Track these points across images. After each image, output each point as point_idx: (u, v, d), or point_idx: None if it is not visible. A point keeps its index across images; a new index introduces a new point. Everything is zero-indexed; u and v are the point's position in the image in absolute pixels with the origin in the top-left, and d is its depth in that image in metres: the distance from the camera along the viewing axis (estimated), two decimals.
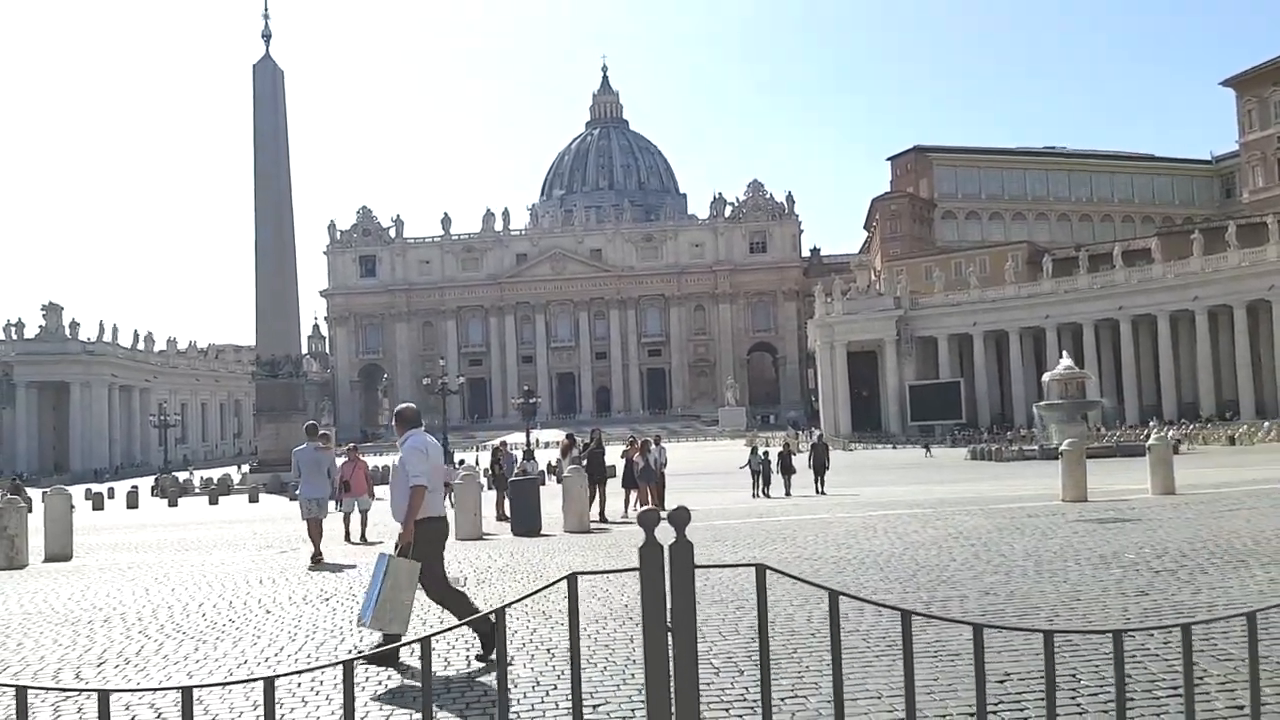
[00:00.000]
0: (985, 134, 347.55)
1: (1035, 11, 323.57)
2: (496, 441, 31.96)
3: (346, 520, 18.96)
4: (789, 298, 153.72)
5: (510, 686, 6.60)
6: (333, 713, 6.14)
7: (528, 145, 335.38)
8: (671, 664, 3.31)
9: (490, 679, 6.85)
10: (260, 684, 3.01)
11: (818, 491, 29.70)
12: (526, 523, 18.29)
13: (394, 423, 8.39)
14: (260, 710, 6.30)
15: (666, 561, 3.39)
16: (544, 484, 40.10)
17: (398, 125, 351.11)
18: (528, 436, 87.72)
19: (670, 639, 3.33)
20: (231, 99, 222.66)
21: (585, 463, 21.75)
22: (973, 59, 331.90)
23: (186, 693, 2.92)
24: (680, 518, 3.49)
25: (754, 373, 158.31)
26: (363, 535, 18.69)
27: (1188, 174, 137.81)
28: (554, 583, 3.59)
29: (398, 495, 7.79)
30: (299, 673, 6.92)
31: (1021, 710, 5.74)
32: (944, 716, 5.55)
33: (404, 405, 8.42)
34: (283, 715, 6.14)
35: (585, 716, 5.90)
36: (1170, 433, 58.07)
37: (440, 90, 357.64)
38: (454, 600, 7.76)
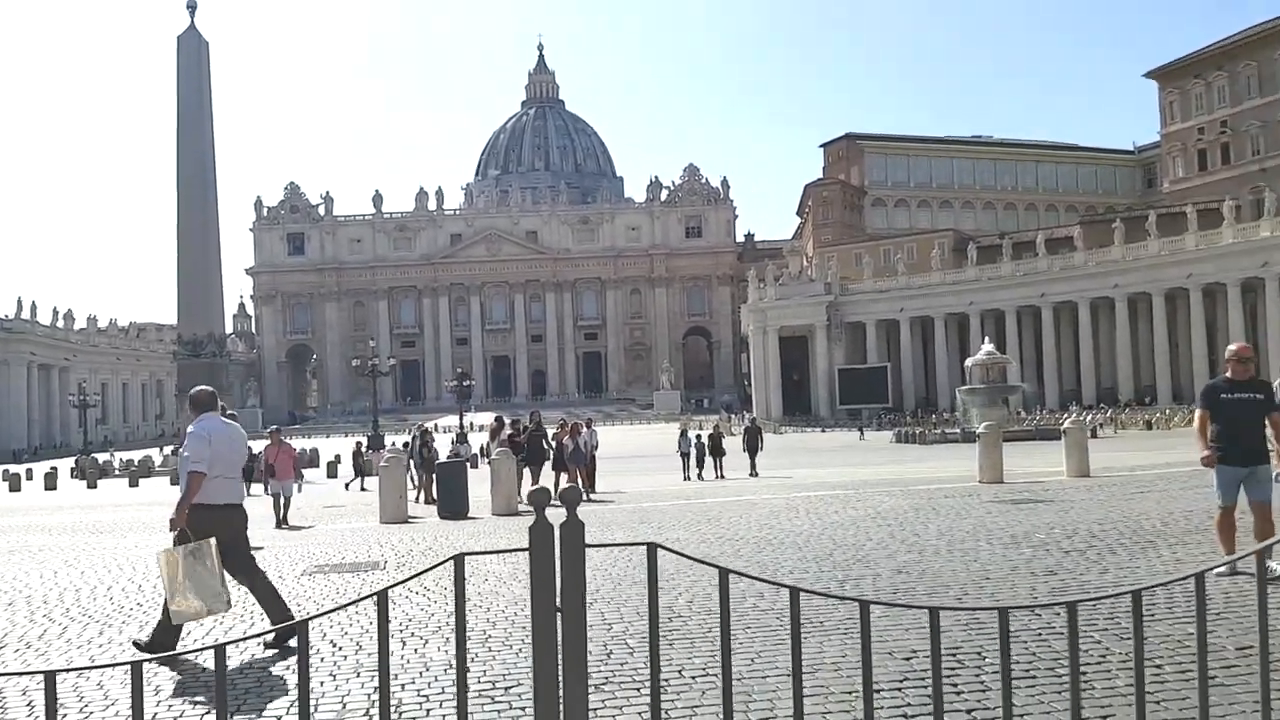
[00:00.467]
0: (915, 122, 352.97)
1: (967, 2, 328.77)
2: (423, 426, 31.55)
3: (277, 504, 18.58)
4: (723, 282, 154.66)
5: (401, 669, 6.54)
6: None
7: (462, 124, 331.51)
8: (560, 645, 3.28)
9: (282, 669, 6.74)
10: (127, 668, 2.92)
11: (752, 474, 29.89)
12: (453, 505, 18.15)
13: (188, 406, 8.03)
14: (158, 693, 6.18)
15: (556, 541, 3.35)
16: (476, 467, 39.91)
17: (328, 101, 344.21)
18: (461, 419, 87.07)
19: (559, 620, 3.30)
20: (155, 70, 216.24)
21: (525, 445, 21.60)
22: (905, 48, 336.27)
23: (49, 677, 2.82)
24: (571, 497, 3.45)
25: (689, 357, 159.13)
26: (285, 519, 18.33)
27: (1110, 164, 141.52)
28: (439, 564, 3.53)
29: (182, 481, 7.61)
30: (171, 656, 6.80)
31: (926, 687, 5.83)
32: (851, 692, 5.63)
33: (198, 389, 8.08)
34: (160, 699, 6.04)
35: (495, 699, 5.87)
36: (1088, 417, 59.85)
37: (372, 66, 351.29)
38: (264, 591, 7.63)
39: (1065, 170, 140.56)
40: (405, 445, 25.08)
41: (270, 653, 7.08)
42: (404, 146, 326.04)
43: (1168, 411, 65.61)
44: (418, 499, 23.29)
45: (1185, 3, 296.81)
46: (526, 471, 21.59)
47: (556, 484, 21.90)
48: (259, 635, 6.31)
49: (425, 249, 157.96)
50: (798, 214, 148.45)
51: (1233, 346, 8.51)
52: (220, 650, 3.00)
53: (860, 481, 22.38)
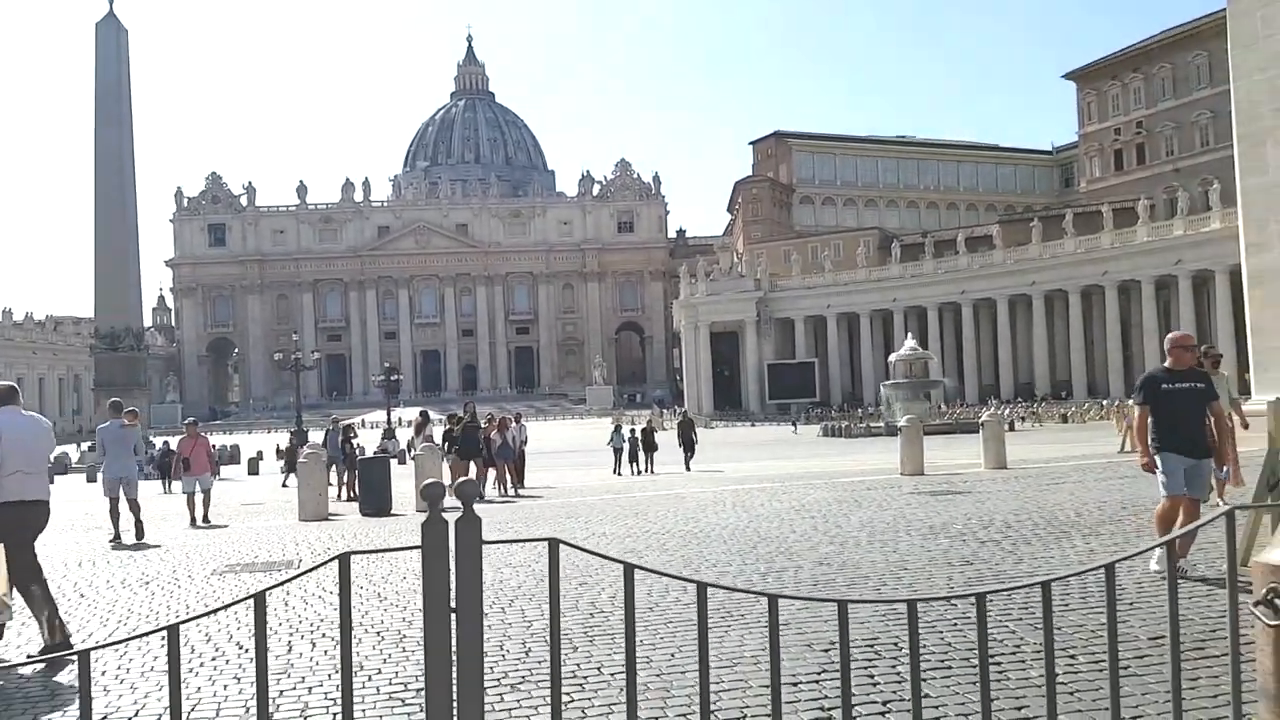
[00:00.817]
0: (843, 122, 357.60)
1: (894, 5, 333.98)
2: (336, 419, 30.79)
3: (191, 502, 17.88)
4: (656, 278, 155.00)
5: (286, 672, 6.35)
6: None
7: (389, 114, 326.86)
8: (455, 646, 3.14)
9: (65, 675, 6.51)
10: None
11: (688, 468, 29.45)
12: (375, 502, 17.80)
13: None
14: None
15: (452, 539, 3.22)
16: (404, 463, 39.30)
17: (251, 90, 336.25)
18: (389, 415, 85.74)
19: (454, 620, 3.16)
20: (73, 57, 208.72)
21: (459, 438, 20.88)
22: (833, 48, 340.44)
23: None
24: (467, 491, 3.32)
25: (621, 352, 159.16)
26: (205, 516, 17.72)
27: (1030, 164, 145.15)
28: (322, 564, 3.37)
29: None
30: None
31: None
32: (767, 686, 5.59)
33: None
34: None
35: (391, 701, 5.72)
36: (1006, 411, 61.33)
37: (297, 55, 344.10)
38: (37, 597, 7.12)
39: (986, 170, 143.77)
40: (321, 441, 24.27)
41: (36, 667, 6.60)
42: (329, 137, 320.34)
43: (1086, 405, 67.50)
44: (339, 495, 22.82)
45: (1104, 6, 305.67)
46: (465, 465, 20.76)
47: (483, 479, 21.63)
48: (30, 662, 6.02)
49: (352, 241, 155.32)
50: (728, 210, 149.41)
51: (1174, 334, 8.31)
52: (174, 632, 2.82)
53: (789, 474, 22.54)
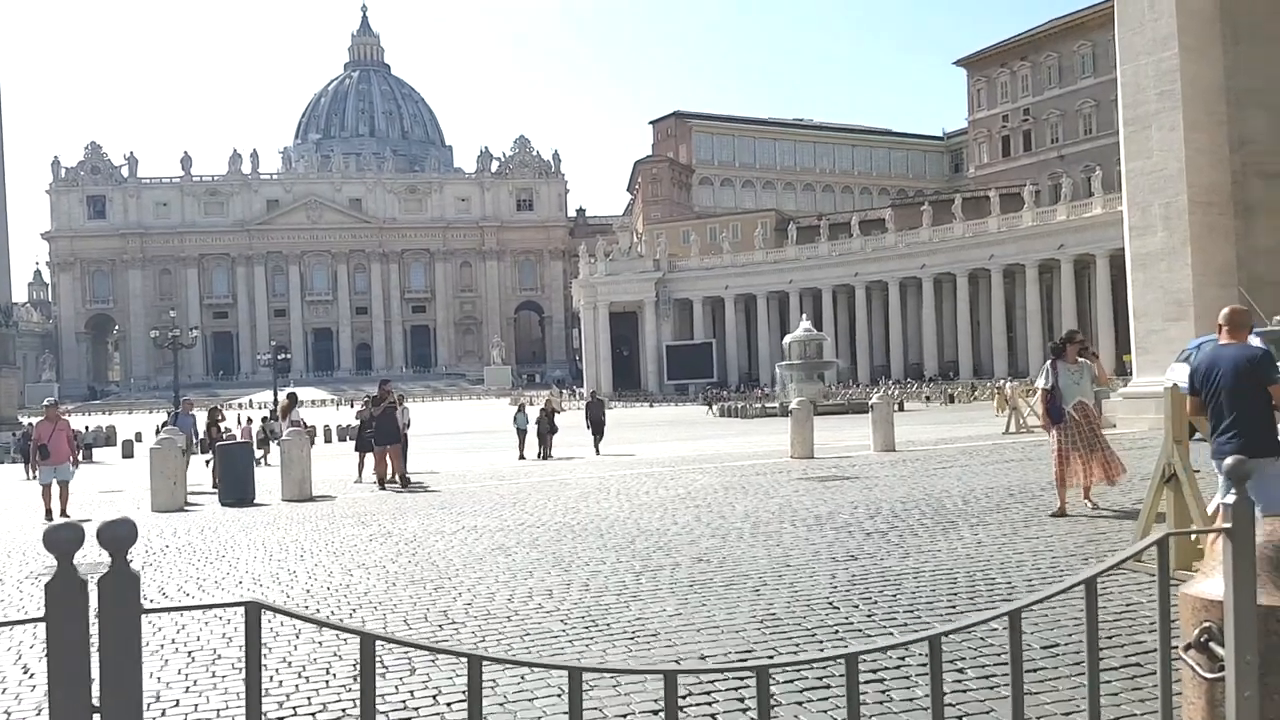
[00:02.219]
0: (741, 104, 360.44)
1: None
2: (189, 400, 28.83)
3: (47, 494, 15.70)
4: (555, 257, 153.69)
5: None
6: None
7: (280, 84, 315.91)
8: None
9: None
10: None
11: (597, 451, 27.51)
12: (236, 491, 16.62)
13: None
14: None
15: (94, 606, 2.05)
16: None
17: (133, 56, 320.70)
18: (275, 395, 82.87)
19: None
20: None
21: (374, 421, 19.11)
22: (733, 30, 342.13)
23: None
24: (118, 536, 2.05)
25: (521, 331, 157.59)
26: (63, 510, 15.92)
27: (921, 149, 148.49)
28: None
29: None
30: None
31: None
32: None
33: None
34: None
35: None
36: (896, 391, 62.48)
37: (181, 20, 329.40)
38: None
39: (879, 154, 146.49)
40: (164, 423, 22.51)
41: None
42: (216, 107, 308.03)
43: (974, 385, 69.24)
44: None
45: None
46: (384, 454, 18.76)
47: (360, 466, 20.55)
48: None
49: (239, 215, 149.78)
50: (628, 190, 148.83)
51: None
52: None
53: (692, 457, 22.07)
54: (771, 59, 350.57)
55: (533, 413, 31.68)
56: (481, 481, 18.42)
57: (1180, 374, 17.71)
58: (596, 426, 28.90)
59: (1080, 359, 10.47)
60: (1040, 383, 10.70)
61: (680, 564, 8.46)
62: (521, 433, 27.91)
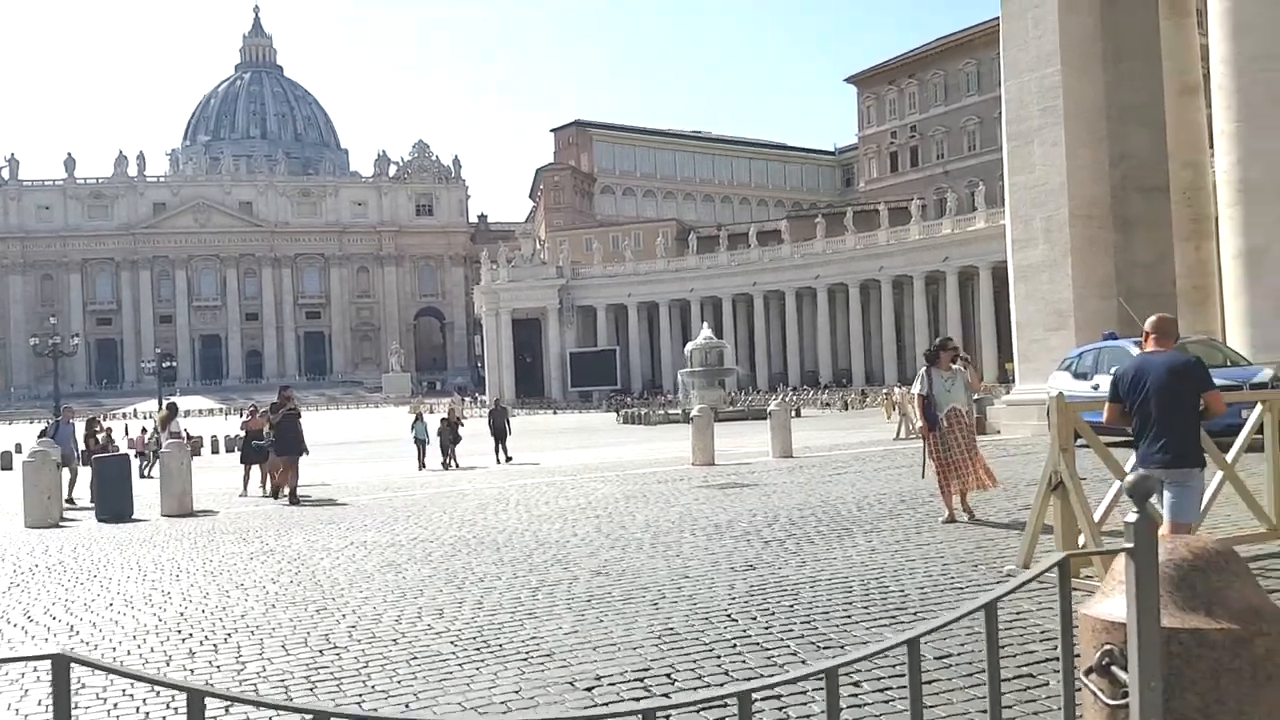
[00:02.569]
0: (643, 114, 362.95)
1: (694, 5, 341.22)
2: (70, 409, 27.46)
3: None
4: (457, 263, 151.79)
5: None
6: None
7: (168, 86, 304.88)
8: None
9: None
10: None
11: (499, 460, 26.76)
12: (113, 506, 15.78)
13: None
14: None
15: None
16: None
17: (12, 55, 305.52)
18: (160, 404, 79.89)
19: None
20: None
21: (275, 431, 17.83)
22: (634, 41, 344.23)
23: None
24: None
25: (421, 338, 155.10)
26: None
27: (815, 163, 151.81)
28: None
29: None
30: None
31: None
32: None
33: None
34: None
35: None
36: (793, 397, 63.53)
37: (66, 19, 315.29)
38: None
39: (775, 167, 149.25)
40: (42, 433, 21.31)
41: None
42: (102, 109, 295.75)
43: (863, 392, 70.85)
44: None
45: (885, 14, 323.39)
46: (284, 463, 17.65)
47: (246, 479, 19.76)
48: None
49: (125, 218, 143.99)
50: (530, 197, 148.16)
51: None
52: None
53: (594, 465, 21.87)
54: (672, 72, 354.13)
55: (434, 421, 30.79)
56: (375, 493, 17.91)
57: (1062, 382, 18.37)
58: (499, 435, 28.13)
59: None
60: (916, 389, 10.86)
61: (578, 578, 8.27)
62: (420, 443, 27.08)
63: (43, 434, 20.78)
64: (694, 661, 5.74)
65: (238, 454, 24.10)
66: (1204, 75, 24.25)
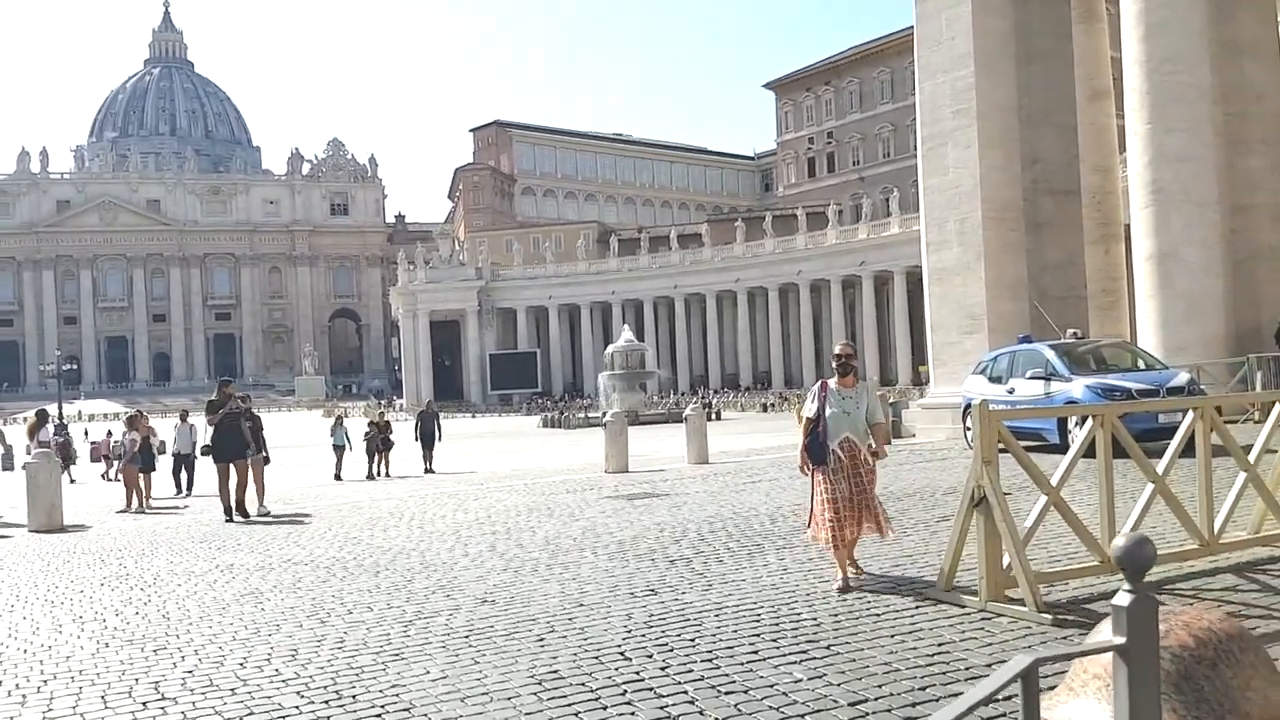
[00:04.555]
0: (563, 116, 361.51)
1: (614, 7, 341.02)
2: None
3: None
4: (373, 264, 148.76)
5: None
6: None
7: (74, 80, 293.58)
8: None
9: None
10: None
11: (427, 469, 24.64)
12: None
13: None
14: None
15: None
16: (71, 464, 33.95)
17: None
18: (60, 408, 76.62)
19: None
20: None
21: (217, 432, 15.10)
22: (555, 43, 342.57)
23: None
24: None
25: (336, 340, 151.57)
26: None
27: (734, 168, 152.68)
28: None
29: None
30: None
31: None
32: None
33: None
34: None
35: None
36: (714, 400, 63.33)
37: None
38: None
39: (695, 171, 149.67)
40: None
41: None
42: (4, 103, 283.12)
43: (782, 394, 71.06)
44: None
45: (803, 21, 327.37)
46: (226, 469, 14.92)
47: (131, 492, 18.25)
48: None
49: (27, 216, 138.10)
50: (449, 198, 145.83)
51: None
52: None
53: (510, 473, 20.97)
54: (593, 74, 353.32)
55: (355, 426, 29.14)
56: (271, 505, 16.72)
57: (977, 385, 18.09)
58: (427, 439, 25.93)
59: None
60: (805, 409, 8.00)
61: (460, 607, 7.45)
62: (339, 449, 24.89)
63: None
64: (576, 715, 4.98)
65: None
66: (1114, 81, 24.42)
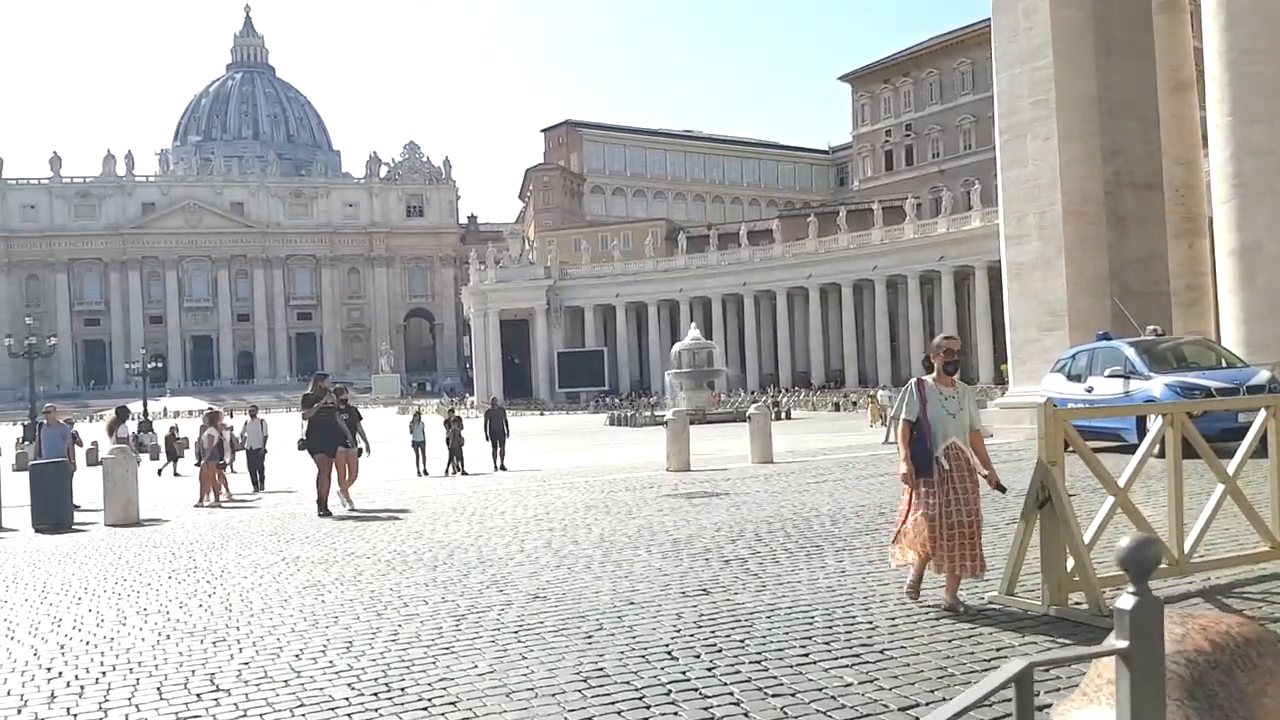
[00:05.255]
0: (632, 114, 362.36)
1: (686, 5, 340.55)
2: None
3: None
4: (446, 264, 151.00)
5: None
6: None
7: (158, 85, 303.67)
8: None
9: None
10: None
11: (497, 466, 24.41)
12: (50, 516, 14.94)
13: None
14: None
15: None
16: (157, 459, 35.19)
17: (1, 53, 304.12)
18: (145, 405, 79.25)
19: None
20: None
21: (311, 427, 14.94)
22: (625, 41, 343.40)
23: None
24: None
25: (411, 339, 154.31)
26: None
27: (808, 162, 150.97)
28: None
29: None
30: None
31: None
32: None
33: None
34: None
35: None
36: (785, 399, 62.78)
37: (55, 16, 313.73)
38: None
39: (767, 166, 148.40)
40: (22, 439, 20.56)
41: None
42: (90, 108, 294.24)
43: (854, 394, 70.07)
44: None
45: (879, 13, 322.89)
46: (328, 462, 14.84)
47: (205, 487, 18.81)
48: None
49: (113, 218, 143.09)
50: (520, 198, 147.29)
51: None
52: None
53: (572, 470, 21.05)
54: (662, 71, 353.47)
55: (431, 424, 29.07)
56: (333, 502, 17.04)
57: (1055, 384, 17.61)
58: (497, 437, 25.63)
59: (954, 379, 6.87)
60: (903, 410, 6.86)
61: (513, 602, 7.46)
62: (418, 446, 25.01)
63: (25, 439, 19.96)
64: (619, 714, 4.92)
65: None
66: (1197, 72, 23.55)
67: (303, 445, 15.15)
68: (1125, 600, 1.69)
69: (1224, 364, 15.86)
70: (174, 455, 33.02)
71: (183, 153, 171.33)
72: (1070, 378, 17.16)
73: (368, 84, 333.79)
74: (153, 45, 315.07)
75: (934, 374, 6.85)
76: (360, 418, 16.93)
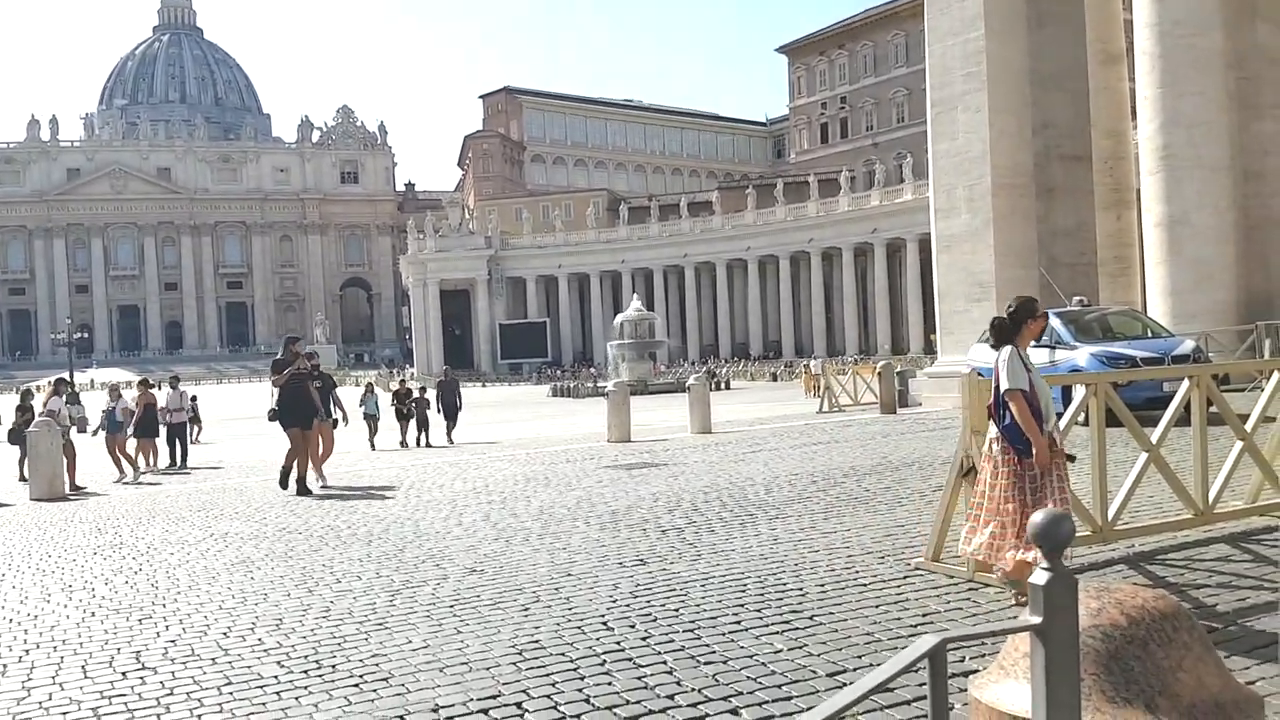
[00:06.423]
0: (572, 83, 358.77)
1: None
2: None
3: None
4: (383, 232, 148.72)
5: None
6: None
7: (83, 48, 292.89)
8: None
9: None
10: None
11: (450, 440, 23.63)
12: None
13: None
14: None
15: None
16: (84, 432, 34.12)
17: None
18: (71, 375, 77.17)
19: None
20: None
21: (280, 399, 13.57)
22: (564, 8, 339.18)
23: None
24: None
25: (348, 309, 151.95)
26: None
27: (746, 134, 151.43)
28: None
29: None
30: None
31: None
32: None
33: None
34: None
35: None
36: (724, 369, 63.25)
37: None
38: None
39: (707, 138, 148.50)
40: None
41: None
42: (13, 71, 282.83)
43: (791, 364, 70.89)
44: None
45: None
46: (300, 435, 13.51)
47: (120, 457, 18.21)
48: None
49: (37, 184, 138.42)
50: (459, 166, 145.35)
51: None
52: None
53: (515, 441, 20.96)
54: (603, 41, 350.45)
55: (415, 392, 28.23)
56: (267, 473, 16.77)
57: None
58: (449, 410, 24.93)
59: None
60: (1004, 379, 5.82)
61: (449, 576, 7.43)
62: (370, 419, 23.80)
63: None
64: (553, 685, 4.95)
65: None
66: (1128, 44, 23.99)
67: (273, 416, 13.80)
68: (1039, 576, 1.73)
69: (1150, 334, 16.29)
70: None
71: (108, 117, 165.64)
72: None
73: (300, 46, 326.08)
74: (78, 6, 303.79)
75: (1019, 339, 6.02)
76: (335, 386, 16.40)
